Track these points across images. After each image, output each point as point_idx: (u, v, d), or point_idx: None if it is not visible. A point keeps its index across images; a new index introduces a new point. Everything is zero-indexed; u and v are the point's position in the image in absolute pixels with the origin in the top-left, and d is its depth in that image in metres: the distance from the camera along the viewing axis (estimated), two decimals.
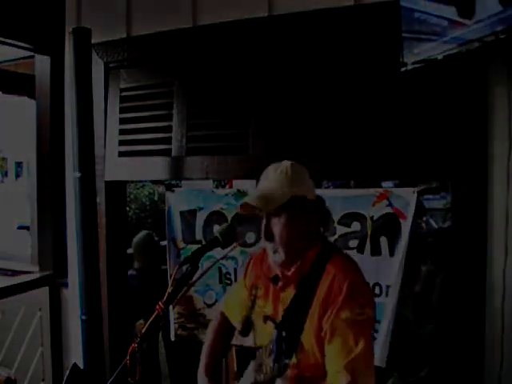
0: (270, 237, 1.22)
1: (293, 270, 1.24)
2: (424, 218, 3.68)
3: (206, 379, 1.36)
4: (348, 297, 1.14)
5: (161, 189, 6.00)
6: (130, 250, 3.09)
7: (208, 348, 1.44)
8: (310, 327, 1.17)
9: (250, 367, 0.87)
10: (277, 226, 1.21)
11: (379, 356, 1.81)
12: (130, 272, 2.94)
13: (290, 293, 1.25)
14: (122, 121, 2.26)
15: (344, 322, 1.12)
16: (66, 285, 2.48)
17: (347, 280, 1.16)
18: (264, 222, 1.23)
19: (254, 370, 0.86)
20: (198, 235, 2.23)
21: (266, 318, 1.25)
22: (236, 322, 1.43)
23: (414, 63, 1.45)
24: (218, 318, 1.52)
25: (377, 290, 1.83)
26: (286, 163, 1.26)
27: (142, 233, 3.13)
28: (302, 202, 1.23)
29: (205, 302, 2.25)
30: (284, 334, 1.19)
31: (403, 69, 1.47)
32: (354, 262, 1.28)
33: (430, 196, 4.02)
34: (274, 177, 1.24)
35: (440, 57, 1.38)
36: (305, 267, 1.23)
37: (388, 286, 1.82)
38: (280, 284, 1.27)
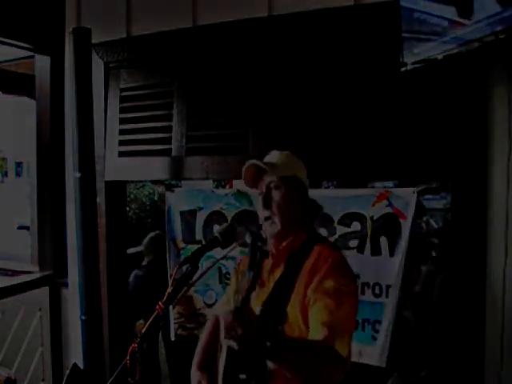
0: (268, 204, 1.30)
1: (284, 244, 1.31)
2: (424, 218, 3.67)
3: (198, 373, 1.37)
4: (333, 269, 1.22)
5: (161, 189, 6.00)
6: (131, 250, 3.10)
7: (201, 348, 1.44)
8: (295, 298, 1.23)
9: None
10: (276, 196, 1.30)
11: (379, 356, 1.81)
12: (136, 272, 2.95)
13: (278, 273, 1.30)
14: (122, 121, 2.26)
15: (328, 290, 1.18)
16: (66, 285, 2.48)
17: (333, 256, 1.26)
18: (264, 191, 1.32)
19: (233, 298, 0.89)
20: (198, 235, 2.23)
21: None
22: None
23: (413, 63, 1.45)
24: (212, 318, 1.52)
25: (377, 290, 1.84)
26: (288, 151, 1.40)
27: (154, 232, 3.16)
28: (300, 184, 1.35)
29: (205, 302, 2.25)
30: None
31: (403, 69, 1.47)
32: (340, 248, 1.38)
33: (430, 196, 4.01)
34: (278, 155, 1.37)
35: (440, 57, 1.38)
36: (295, 244, 1.32)
37: (388, 286, 1.82)
38: (271, 260, 1.32)
